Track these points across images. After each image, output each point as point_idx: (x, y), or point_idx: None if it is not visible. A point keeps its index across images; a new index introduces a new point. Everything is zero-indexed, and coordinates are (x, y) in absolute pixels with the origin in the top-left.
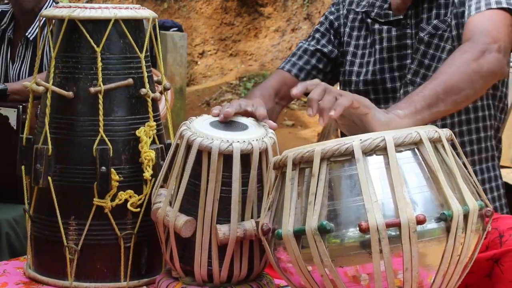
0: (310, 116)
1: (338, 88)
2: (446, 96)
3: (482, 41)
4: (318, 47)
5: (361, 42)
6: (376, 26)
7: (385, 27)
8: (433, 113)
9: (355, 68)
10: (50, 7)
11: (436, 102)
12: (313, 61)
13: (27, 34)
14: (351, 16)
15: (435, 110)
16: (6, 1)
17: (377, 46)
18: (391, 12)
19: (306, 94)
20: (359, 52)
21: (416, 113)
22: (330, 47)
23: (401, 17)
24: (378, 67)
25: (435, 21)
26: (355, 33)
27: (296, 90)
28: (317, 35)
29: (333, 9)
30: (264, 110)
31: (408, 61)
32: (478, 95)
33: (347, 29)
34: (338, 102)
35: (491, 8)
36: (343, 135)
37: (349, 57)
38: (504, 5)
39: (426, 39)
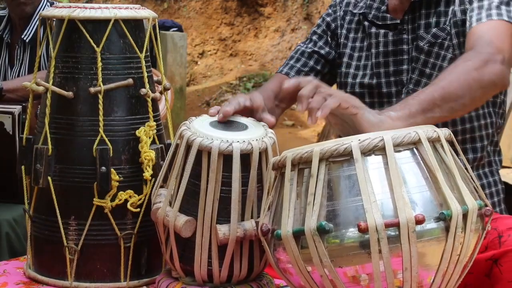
0: (299, 111)
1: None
2: (442, 102)
3: (486, 50)
4: (315, 49)
5: (357, 44)
6: (373, 29)
7: (381, 31)
8: (427, 118)
9: (351, 70)
10: (44, 8)
11: (431, 108)
12: (311, 63)
13: (23, 36)
14: (347, 18)
15: (429, 115)
16: (1, 5)
17: (373, 50)
18: (388, 15)
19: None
20: (356, 54)
21: (409, 116)
22: (327, 49)
23: (398, 21)
24: (375, 72)
25: (434, 29)
26: (351, 35)
27: (287, 84)
28: (314, 37)
29: (330, 10)
30: (261, 100)
31: (404, 66)
32: (476, 105)
33: (344, 31)
34: (326, 103)
35: (492, 20)
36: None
37: (345, 59)
38: (505, 18)
39: (426, 48)
